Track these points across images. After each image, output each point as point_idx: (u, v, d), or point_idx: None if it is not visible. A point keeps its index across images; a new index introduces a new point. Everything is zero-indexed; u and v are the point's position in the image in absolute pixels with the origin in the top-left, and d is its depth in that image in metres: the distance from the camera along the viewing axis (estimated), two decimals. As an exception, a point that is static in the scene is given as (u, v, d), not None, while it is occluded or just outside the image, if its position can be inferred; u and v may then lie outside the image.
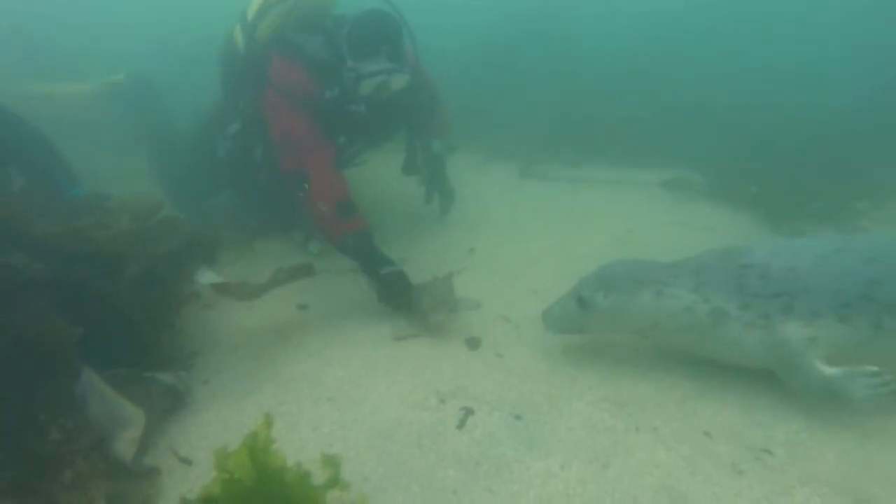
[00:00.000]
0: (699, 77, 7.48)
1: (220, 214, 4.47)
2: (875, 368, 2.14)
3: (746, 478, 1.97)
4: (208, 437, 2.25)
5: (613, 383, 2.53)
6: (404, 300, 3.09)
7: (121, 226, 2.87)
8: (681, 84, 7.24)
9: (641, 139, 6.07)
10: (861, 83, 7.08)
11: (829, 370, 2.20)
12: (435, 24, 3.63)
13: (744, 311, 2.34)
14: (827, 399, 2.21)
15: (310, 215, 3.42)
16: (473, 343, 2.88)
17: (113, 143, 4.44)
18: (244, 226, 4.31)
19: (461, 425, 2.25)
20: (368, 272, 3.20)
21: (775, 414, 2.29)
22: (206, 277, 2.88)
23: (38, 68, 6.64)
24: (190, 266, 2.87)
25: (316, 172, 3.37)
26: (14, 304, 2.01)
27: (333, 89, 3.52)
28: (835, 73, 7.79)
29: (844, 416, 2.26)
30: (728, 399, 2.40)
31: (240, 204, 4.43)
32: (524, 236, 4.34)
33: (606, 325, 2.65)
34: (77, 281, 2.30)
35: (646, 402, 2.40)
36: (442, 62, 3.78)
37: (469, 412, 2.33)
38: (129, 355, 2.36)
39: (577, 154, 6.06)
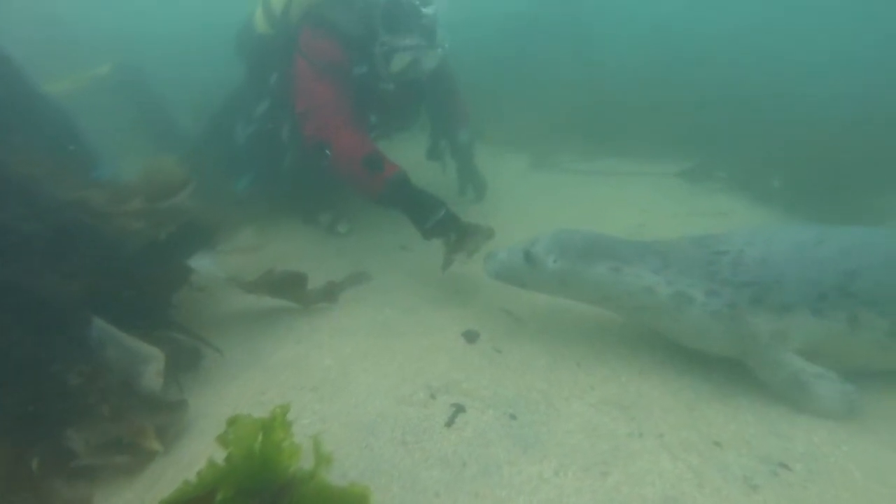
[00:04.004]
0: (720, 67, 7.17)
1: (240, 198, 4.36)
2: (840, 377, 2.12)
3: (760, 493, 1.79)
4: (187, 423, 2.13)
5: (617, 384, 2.35)
6: (450, 237, 3.08)
7: (131, 205, 2.82)
8: (700, 74, 6.94)
9: (658, 130, 5.83)
10: (890, 74, 6.72)
11: (799, 363, 2.14)
12: (449, 16, 3.58)
13: (710, 299, 2.22)
14: (790, 391, 2.17)
15: (343, 181, 3.41)
16: (471, 336, 2.72)
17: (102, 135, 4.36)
18: (270, 203, 4.22)
19: (450, 423, 2.10)
20: (414, 222, 3.15)
21: (794, 423, 2.10)
22: (201, 264, 2.77)
23: (63, 51, 6.58)
24: (187, 249, 2.79)
25: (335, 135, 3.33)
26: (14, 260, 2.04)
27: (362, 66, 3.52)
28: (862, 65, 7.41)
29: (873, 429, 2.07)
30: (742, 405, 2.20)
31: (259, 190, 4.32)
32: (533, 227, 4.14)
33: (550, 289, 2.54)
34: (76, 245, 2.29)
35: (651, 405, 2.21)
36: (457, 53, 3.72)
37: (460, 409, 2.17)
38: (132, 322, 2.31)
39: (591, 145, 5.84)
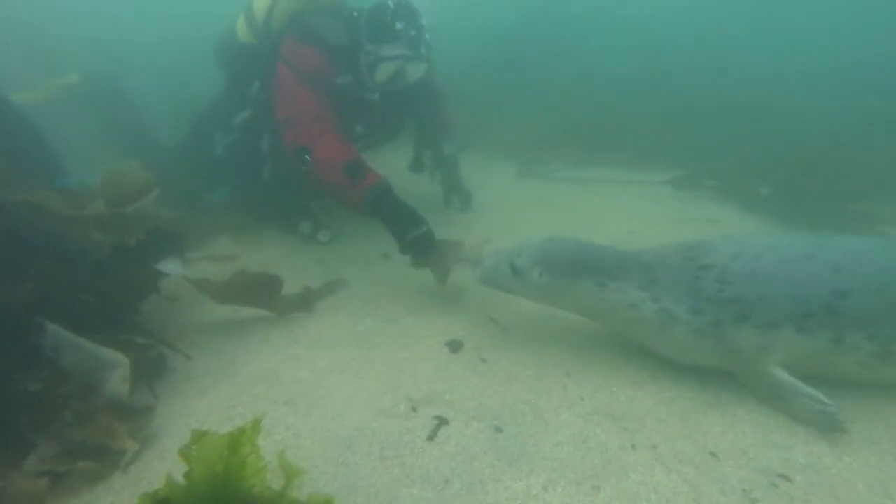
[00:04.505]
0: (708, 77, 7.20)
1: (218, 207, 4.23)
2: (821, 397, 2.02)
3: (760, 507, 1.68)
4: (148, 440, 1.99)
5: (609, 393, 2.24)
6: (428, 259, 2.96)
7: (91, 209, 2.71)
8: (688, 83, 6.96)
9: (647, 139, 5.80)
10: (877, 84, 6.78)
11: (780, 377, 2.09)
12: (441, 26, 3.54)
13: (694, 317, 2.17)
14: (770, 401, 2.13)
15: (323, 189, 3.32)
16: (455, 345, 2.60)
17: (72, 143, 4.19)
18: (250, 213, 4.11)
19: (432, 436, 1.98)
20: (393, 234, 3.03)
21: (793, 433, 2.00)
22: (170, 267, 2.66)
23: (45, 61, 6.48)
24: (154, 256, 2.67)
25: (317, 141, 3.24)
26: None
27: (347, 76, 3.45)
28: (849, 75, 7.50)
29: (875, 440, 1.97)
30: (739, 415, 2.10)
31: (237, 201, 4.21)
32: (520, 235, 4.06)
33: (536, 299, 2.51)
34: (26, 248, 2.20)
35: (644, 415, 2.11)
36: (447, 64, 3.64)
37: (442, 422, 2.05)
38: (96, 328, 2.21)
39: (580, 154, 5.80)
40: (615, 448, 1.93)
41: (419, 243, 2.95)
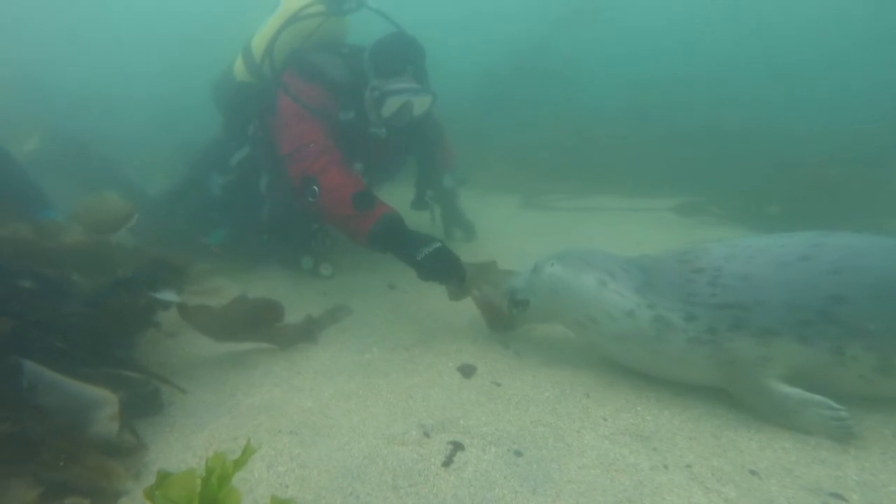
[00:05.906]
0: (708, 103, 7.29)
1: (215, 251, 4.13)
2: (831, 402, 1.90)
3: (814, 528, 1.53)
4: (141, 478, 1.84)
5: (633, 413, 2.10)
6: (456, 272, 2.79)
7: (70, 238, 2.59)
8: (689, 111, 7.04)
9: (646, 168, 5.81)
10: (880, 105, 6.86)
11: (783, 389, 1.95)
12: (437, 64, 3.52)
13: (689, 324, 2.07)
14: (777, 418, 1.99)
15: (331, 222, 3.22)
16: (467, 371, 2.47)
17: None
18: (248, 254, 4.00)
19: (448, 463, 1.83)
20: (406, 260, 2.85)
21: (841, 449, 1.85)
22: (167, 296, 2.56)
23: (37, 113, 6.58)
24: (152, 287, 2.57)
25: (324, 172, 3.15)
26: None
27: (349, 112, 3.38)
28: (854, 95, 7.61)
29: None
30: (775, 430, 1.96)
31: (234, 243, 4.11)
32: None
33: (545, 299, 2.47)
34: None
35: (674, 434, 1.96)
36: (444, 98, 3.58)
37: (458, 447, 1.91)
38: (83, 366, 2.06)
39: (581, 184, 5.78)
40: (646, 469, 1.78)
41: (435, 259, 2.75)
